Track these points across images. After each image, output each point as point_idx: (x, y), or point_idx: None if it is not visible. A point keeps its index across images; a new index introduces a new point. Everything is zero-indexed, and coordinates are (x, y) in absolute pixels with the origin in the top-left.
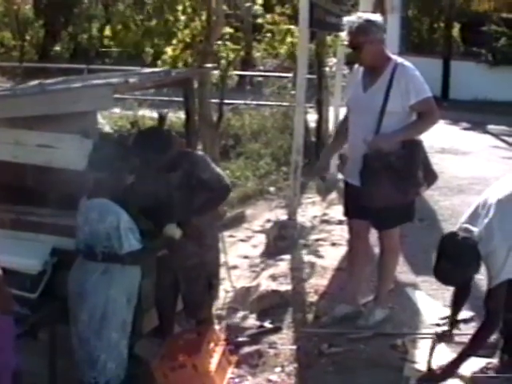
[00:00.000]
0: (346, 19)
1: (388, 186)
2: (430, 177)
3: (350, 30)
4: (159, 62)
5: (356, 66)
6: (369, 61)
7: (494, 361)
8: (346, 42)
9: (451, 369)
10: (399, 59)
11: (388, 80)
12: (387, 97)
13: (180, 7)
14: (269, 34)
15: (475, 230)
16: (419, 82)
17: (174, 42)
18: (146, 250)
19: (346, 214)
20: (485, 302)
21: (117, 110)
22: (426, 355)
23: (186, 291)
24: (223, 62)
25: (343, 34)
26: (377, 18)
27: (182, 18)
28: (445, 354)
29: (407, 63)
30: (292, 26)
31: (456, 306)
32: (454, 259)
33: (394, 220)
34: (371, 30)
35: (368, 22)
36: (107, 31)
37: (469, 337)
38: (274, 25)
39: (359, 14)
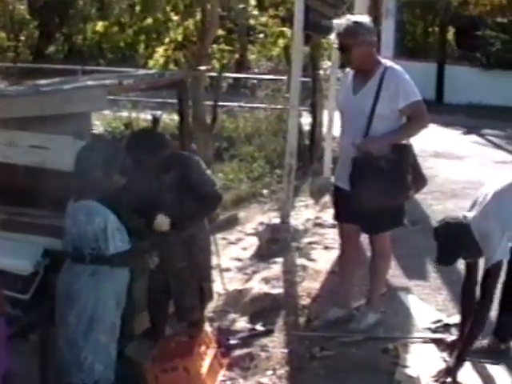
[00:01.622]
0: (334, 21)
1: (377, 190)
2: (420, 181)
3: (338, 31)
4: (151, 63)
5: (347, 69)
6: (357, 63)
7: (484, 342)
8: (335, 45)
9: (462, 356)
10: (389, 62)
11: (378, 83)
12: (376, 100)
13: (168, 8)
14: (261, 36)
15: (470, 214)
16: (408, 86)
17: (166, 40)
18: (134, 251)
19: (336, 217)
20: (482, 282)
21: (111, 112)
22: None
23: (176, 294)
24: (217, 64)
25: (332, 37)
26: (366, 20)
27: (175, 18)
28: (439, 360)
29: (397, 67)
30: (285, 29)
31: (465, 314)
32: (446, 238)
33: (384, 224)
34: (360, 31)
35: (356, 23)
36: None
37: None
38: (267, 27)
39: (348, 16)
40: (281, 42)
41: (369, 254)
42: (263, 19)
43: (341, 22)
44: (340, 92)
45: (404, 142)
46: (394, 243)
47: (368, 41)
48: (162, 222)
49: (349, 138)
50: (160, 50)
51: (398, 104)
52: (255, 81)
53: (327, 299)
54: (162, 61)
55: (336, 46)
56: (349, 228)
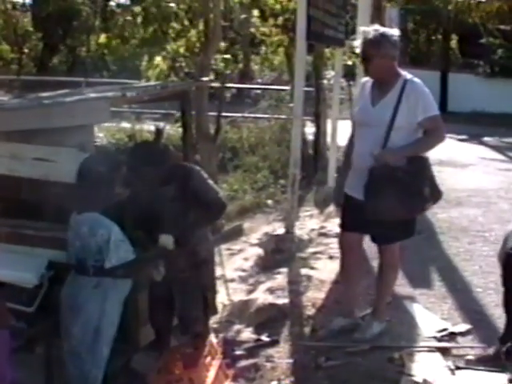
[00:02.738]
0: (362, 29)
1: (393, 201)
2: (436, 194)
3: (363, 40)
4: (149, 73)
5: (364, 78)
6: (376, 74)
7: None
8: (358, 51)
9: None
10: (409, 75)
11: (397, 95)
12: (396, 112)
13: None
14: (263, 45)
15: None
16: (428, 100)
17: (165, 53)
18: (137, 262)
19: (342, 226)
20: None
21: (114, 124)
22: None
23: (180, 305)
24: (220, 74)
25: (356, 43)
26: (393, 33)
27: (175, 25)
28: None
29: (417, 80)
30: (284, 37)
31: None
32: None
33: (396, 235)
34: (384, 44)
35: (383, 36)
36: (102, 39)
37: (467, 350)
38: (268, 37)
39: (376, 26)
40: (281, 50)
41: (373, 263)
42: (265, 29)
43: (368, 30)
44: (357, 102)
45: (421, 154)
46: (402, 253)
47: (390, 54)
48: (167, 241)
49: (365, 148)
50: (158, 59)
51: (416, 117)
52: (259, 91)
53: (332, 309)
54: (157, 71)
55: (359, 53)
56: (351, 237)
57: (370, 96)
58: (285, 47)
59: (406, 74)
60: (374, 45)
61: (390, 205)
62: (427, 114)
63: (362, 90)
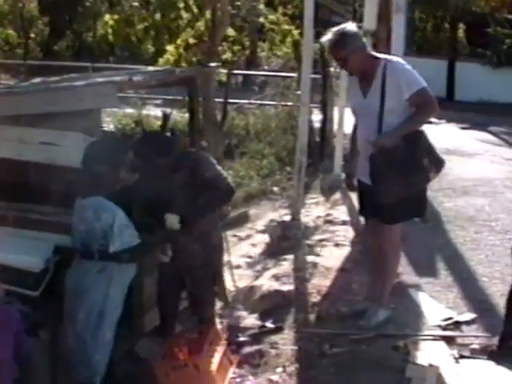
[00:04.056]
0: (322, 39)
1: (398, 182)
2: (437, 162)
3: (329, 47)
4: (161, 61)
5: None
6: (357, 70)
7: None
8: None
9: None
10: (388, 57)
11: (381, 80)
12: (383, 96)
13: (181, 4)
14: (271, 33)
15: None
16: (410, 75)
17: (178, 41)
18: (143, 247)
19: (361, 212)
20: None
21: (121, 109)
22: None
23: (193, 291)
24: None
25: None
26: (349, 27)
27: (185, 15)
28: (449, 357)
29: (396, 59)
30: (292, 27)
31: None
32: None
33: (406, 213)
34: (347, 41)
35: (342, 35)
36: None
37: (472, 339)
38: (276, 25)
39: (333, 29)
40: (289, 40)
41: None
42: (273, 17)
43: (327, 37)
44: (349, 95)
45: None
46: (405, 241)
47: (359, 46)
48: (172, 220)
49: (364, 136)
50: (171, 48)
51: (403, 95)
52: (265, 78)
53: (338, 296)
54: (172, 59)
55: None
56: (375, 223)
57: (359, 88)
58: (292, 37)
59: (385, 57)
60: (340, 46)
61: (396, 186)
62: (413, 90)
63: (351, 81)
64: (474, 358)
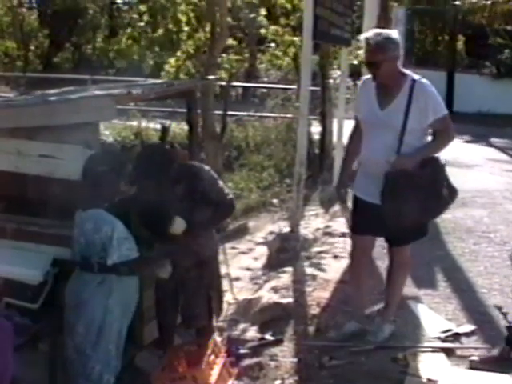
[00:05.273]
0: (363, 35)
1: (414, 206)
2: (453, 193)
3: (368, 46)
4: (162, 73)
5: (364, 77)
6: (385, 78)
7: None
8: (361, 58)
9: None
10: (415, 76)
11: (407, 98)
12: (407, 115)
13: (184, 18)
14: (272, 45)
15: None
16: (437, 100)
17: (179, 53)
18: (142, 260)
19: (354, 229)
20: None
21: (120, 121)
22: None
23: (184, 303)
24: (225, 74)
25: (361, 51)
26: (395, 34)
27: (186, 28)
28: (448, 369)
29: (425, 80)
30: (296, 38)
31: None
32: None
33: (412, 236)
34: (389, 47)
35: (387, 39)
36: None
37: (471, 351)
38: (278, 36)
39: (377, 30)
40: (291, 50)
41: (378, 263)
42: (273, 28)
43: (370, 36)
44: (360, 104)
45: (433, 155)
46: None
47: (397, 57)
48: (179, 224)
49: (378, 153)
50: (171, 60)
51: (427, 118)
52: (265, 90)
53: (337, 309)
54: (172, 72)
55: (364, 59)
56: (364, 240)
57: (376, 98)
58: (295, 47)
59: (410, 73)
60: (381, 49)
61: (411, 210)
62: (438, 115)
63: (364, 89)
64: (474, 369)
